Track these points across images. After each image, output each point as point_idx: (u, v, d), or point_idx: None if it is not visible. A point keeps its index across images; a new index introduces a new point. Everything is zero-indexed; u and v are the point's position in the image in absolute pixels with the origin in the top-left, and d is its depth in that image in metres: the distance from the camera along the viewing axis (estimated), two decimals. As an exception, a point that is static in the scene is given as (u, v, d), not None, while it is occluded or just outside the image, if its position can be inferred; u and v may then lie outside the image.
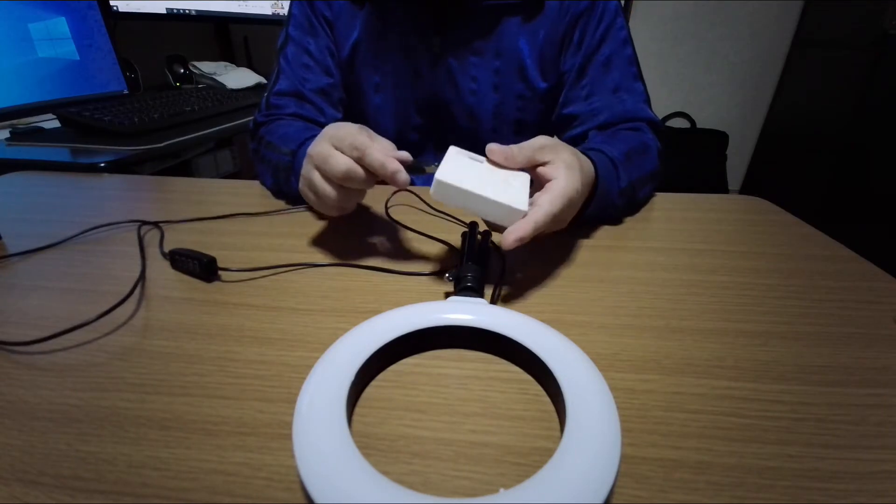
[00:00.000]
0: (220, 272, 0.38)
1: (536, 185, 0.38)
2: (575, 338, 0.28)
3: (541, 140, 0.39)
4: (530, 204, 0.35)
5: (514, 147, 0.38)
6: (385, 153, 0.36)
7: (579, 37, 0.60)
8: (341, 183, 0.38)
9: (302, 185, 0.43)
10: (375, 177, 0.37)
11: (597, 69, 0.60)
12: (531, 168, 0.38)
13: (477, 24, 0.60)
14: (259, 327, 0.32)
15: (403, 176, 0.36)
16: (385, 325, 0.28)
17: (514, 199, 0.34)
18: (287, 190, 0.54)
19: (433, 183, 0.34)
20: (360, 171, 0.37)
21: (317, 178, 0.39)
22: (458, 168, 0.36)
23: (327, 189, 0.39)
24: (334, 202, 0.40)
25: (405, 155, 0.37)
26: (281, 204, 0.54)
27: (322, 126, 0.62)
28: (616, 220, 0.51)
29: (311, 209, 0.52)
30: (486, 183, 0.35)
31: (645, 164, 0.53)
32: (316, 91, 0.63)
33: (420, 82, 0.63)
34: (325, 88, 0.63)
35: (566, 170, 0.37)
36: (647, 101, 0.60)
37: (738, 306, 0.35)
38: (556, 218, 0.35)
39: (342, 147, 0.37)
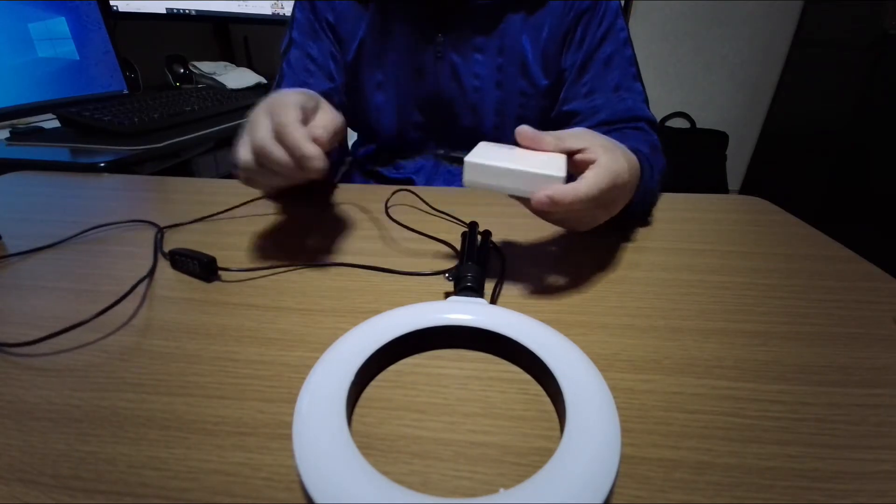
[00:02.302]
0: (220, 272, 0.38)
1: (576, 172, 0.36)
2: (575, 338, 0.28)
3: (575, 129, 0.37)
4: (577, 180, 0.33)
5: (545, 132, 0.36)
6: (305, 135, 0.32)
7: (581, 34, 0.60)
8: (257, 157, 0.34)
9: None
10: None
11: (598, 67, 0.60)
12: (567, 156, 0.36)
13: (479, 21, 0.60)
14: (259, 327, 0.32)
15: (316, 164, 0.32)
16: (385, 325, 0.28)
17: (551, 169, 0.32)
18: None
19: (464, 167, 0.33)
20: (272, 151, 0.33)
21: (242, 143, 0.36)
22: (488, 152, 0.35)
23: (247, 157, 0.35)
24: (251, 173, 0.36)
25: (321, 135, 0.33)
26: (279, 203, 0.54)
27: None
28: (644, 223, 0.50)
29: (311, 208, 0.52)
30: (519, 160, 0.33)
31: (660, 163, 0.53)
32: None
33: (423, 80, 0.64)
34: (327, 93, 0.63)
35: (605, 151, 0.35)
36: (646, 100, 0.61)
37: (738, 306, 0.35)
38: (601, 194, 0.33)
39: (274, 116, 0.34)
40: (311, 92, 0.41)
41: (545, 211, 0.32)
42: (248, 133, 0.36)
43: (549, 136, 0.36)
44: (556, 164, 0.33)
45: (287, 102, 0.35)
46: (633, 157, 0.41)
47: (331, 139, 0.36)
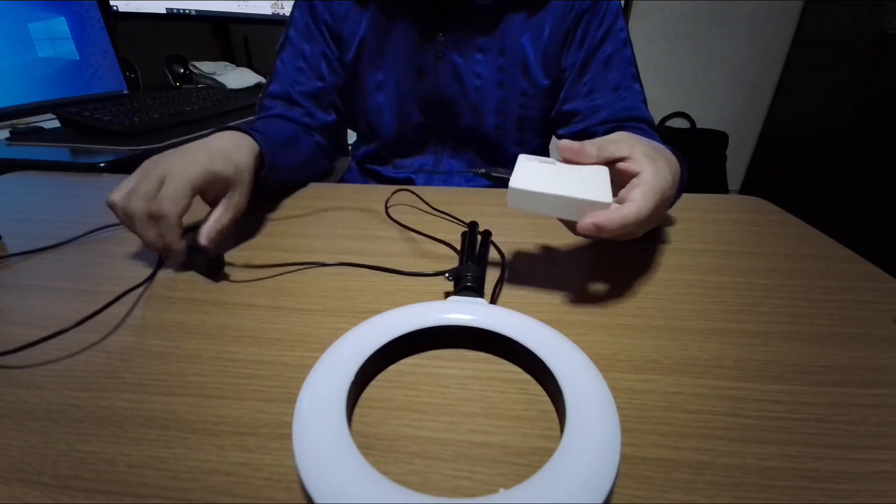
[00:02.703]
0: (226, 270, 0.38)
1: (618, 182, 0.35)
2: (575, 338, 0.28)
3: (615, 134, 0.37)
4: (622, 201, 0.33)
5: (586, 142, 0.35)
6: (177, 235, 0.36)
7: (582, 34, 0.60)
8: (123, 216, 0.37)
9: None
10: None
11: (598, 67, 0.60)
12: (609, 164, 0.35)
13: (480, 21, 0.60)
14: (259, 327, 0.32)
15: (175, 259, 0.37)
16: (385, 324, 0.28)
17: (597, 194, 0.31)
18: None
19: (508, 192, 0.33)
20: (144, 230, 0.36)
21: (127, 185, 0.38)
22: (531, 173, 0.34)
23: (121, 204, 0.37)
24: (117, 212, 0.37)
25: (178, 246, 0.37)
26: (279, 203, 0.54)
27: (309, 128, 0.64)
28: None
29: (311, 208, 0.52)
30: (563, 182, 0.33)
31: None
32: (305, 95, 0.64)
33: (424, 79, 0.64)
34: (315, 93, 0.65)
35: (649, 161, 0.34)
36: (644, 101, 0.61)
37: (738, 306, 0.35)
38: (649, 215, 0.32)
39: (161, 199, 0.36)
40: (233, 161, 0.43)
41: (589, 235, 0.31)
42: (137, 182, 0.37)
43: (591, 148, 0.35)
44: (601, 185, 0.33)
45: (184, 181, 0.37)
46: (675, 162, 0.40)
47: (218, 237, 0.40)
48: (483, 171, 0.36)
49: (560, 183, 0.32)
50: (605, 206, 0.31)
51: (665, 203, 0.34)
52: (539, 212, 0.33)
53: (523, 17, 0.60)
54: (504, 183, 0.33)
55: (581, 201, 0.31)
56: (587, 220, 0.30)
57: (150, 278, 0.37)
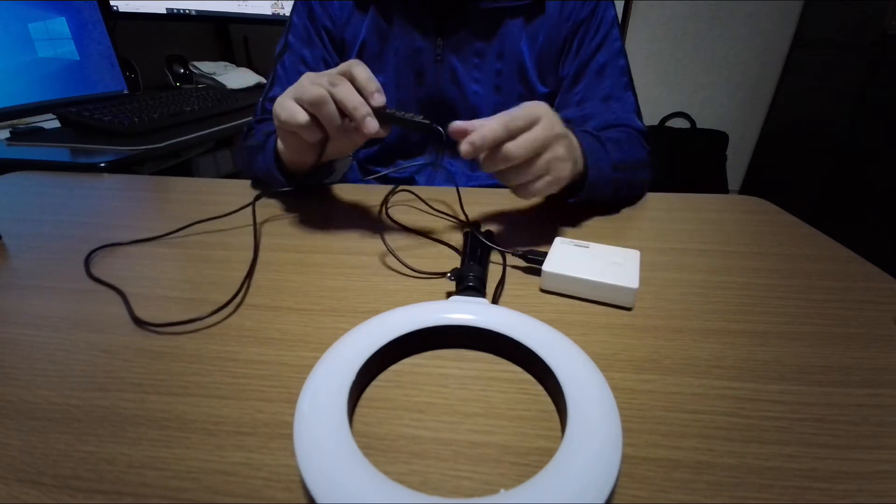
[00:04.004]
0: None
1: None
2: (575, 338, 0.28)
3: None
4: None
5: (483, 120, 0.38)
6: (359, 98, 0.38)
7: (578, 44, 0.61)
8: (310, 109, 0.39)
9: (274, 109, 0.42)
10: (342, 119, 0.39)
11: (591, 76, 0.61)
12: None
13: (479, 25, 0.61)
14: (259, 327, 0.32)
15: (372, 124, 0.37)
16: (387, 324, 0.28)
17: (624, 278, 0.34)
18: (253, 169, 0.57)
19: (542, 276, 0.36)
20: (330, 102, 0.38)
21: (289, 100, 0.40)
22: (564, 257, 0.37)
23: (294, 108, 0.39)
24: (297, 125, 0.39)
25: (379, 100, 0.38)
26: (279, 203, 0.54)
27: None
28: (616, 204, 0.52)
29: (311, 208, 0.52)
30: (593, 266, 0.35)
31: (633, 150, 0.54)
32: None
33: (423, 82, 0.64)
34: None
35: (520, 107, 0.39)
36: (637, 111, 0.62)
37: (738, 306, 0.35)
38: (512, 119, 0.37)
39: (321, 79, 0.39)
40: None
41: (490, 158, 0.37)
42: (297, 89, 0.40)
43: (488, 135, 0.37)
44: (630, 270, 0.35)
45: (341, 66, 0.40)
46: (560, 123, 0.42)
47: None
48: (521, 252, 0.38)
49: (590, 267, 0.35)
50: (632, 291, 0.33)
51: (536, 110, 0.39)
52: (571, 293, 0.35)
53: (521, 22, 0.60)
54: (538, 263, 0.36)
55: (609, 285, 0.34)
56: (464, 144, 0.36)
57: (246, 277, 0.37)
